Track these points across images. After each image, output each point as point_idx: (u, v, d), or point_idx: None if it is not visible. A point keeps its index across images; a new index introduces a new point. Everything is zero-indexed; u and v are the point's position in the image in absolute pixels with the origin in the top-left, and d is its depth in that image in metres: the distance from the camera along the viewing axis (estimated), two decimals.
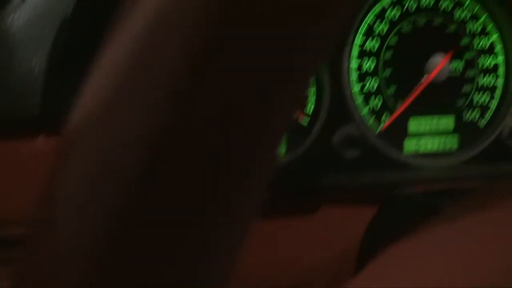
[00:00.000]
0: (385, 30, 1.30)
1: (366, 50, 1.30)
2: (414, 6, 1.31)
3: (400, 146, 1.32)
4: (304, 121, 1.30)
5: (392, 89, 1.31)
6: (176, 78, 0.37)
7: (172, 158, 0.37)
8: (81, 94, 0.40)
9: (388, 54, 1.30)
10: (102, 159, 0.37)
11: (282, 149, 1.30)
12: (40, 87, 1.07)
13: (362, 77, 1.31)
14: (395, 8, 1.30)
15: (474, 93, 1.35)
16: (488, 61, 1.35)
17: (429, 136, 1.33)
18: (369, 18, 1.29)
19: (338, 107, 1.29)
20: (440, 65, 1.30)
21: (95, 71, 0.40)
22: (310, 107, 1.30)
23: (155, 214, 0.37)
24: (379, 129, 1.31)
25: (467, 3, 1.33)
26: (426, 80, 1.30)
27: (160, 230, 0.37)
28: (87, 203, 0.37)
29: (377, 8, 1.29)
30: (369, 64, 1.30)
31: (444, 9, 1.33)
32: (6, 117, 1.07)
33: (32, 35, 1.10)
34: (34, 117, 1.07)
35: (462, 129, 1.35)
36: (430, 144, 1.34)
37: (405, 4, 1.31)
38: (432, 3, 1.32)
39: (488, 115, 1.36)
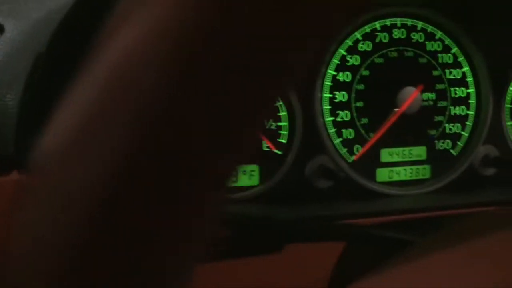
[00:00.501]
0: (357, 63, 1.34)
1: (339, 82, 1.34)
2: (387, 39, 1.35)
3: (372, 176, 1.36)
4: (277, 152, 1.33)
5: (364, 120, 1.35)
6: (131, 130, 0.39)
7: (127, 198, 0.39)
8: (45, 132, 0.43)
9: (361, 86, 1.34)
10: (63, 196, 0.40)
11: (255, 180, 1.33)
12: (14, 123, 1.10)
13: (335, 108, 1.34)
14: (368, 41, 1.35)
15: (446, 123, 1.39)
16: (459, 92, 1.39)
17: (401, 165, 1.37)
18: (342, 50, 1.33)
19: (311, 137, 1.33)
20: (411, 97, 1.34)
21: (60, 111, 0.42)
22: (284, 137, 1.34)
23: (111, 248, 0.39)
24: (351, 159, 1.35)
25: (438, 35, 1.37)
26: (398, 111, 1.34)
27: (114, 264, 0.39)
28: (48, 235, 0.40)
29: (349, 41, 1.33)
30: (341, 96, 1.34)
31: (416, 41, 1.37)
32: None
33: (7, 71, 1.12)
34: (7, 154, 1.10)
35: (435, 158, 1.39)
36: (402, 173, 1.37)
37: (377, 37, 1.35)
38: (404, 35, 1.36)
39: (460, 144, 1.39)
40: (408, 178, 1.36)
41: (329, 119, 1.33)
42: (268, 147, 1.32)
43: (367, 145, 1.34)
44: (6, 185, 1.08)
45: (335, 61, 1.32)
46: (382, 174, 1.35)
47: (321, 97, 1.32)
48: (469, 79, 1.38)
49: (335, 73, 1.33)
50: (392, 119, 1.33)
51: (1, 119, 1.08)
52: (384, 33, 1.34)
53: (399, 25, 1.35)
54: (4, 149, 1.08)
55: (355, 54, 1.34)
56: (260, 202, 1.33)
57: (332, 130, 1.33)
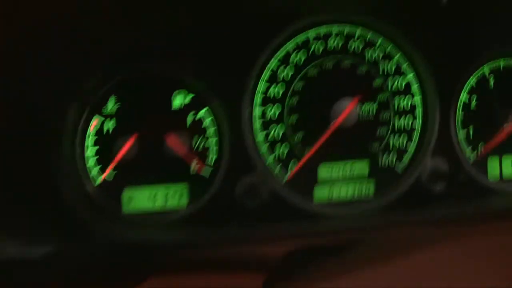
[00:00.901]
0: (290, 75, 1.26)
1: (270, 97, 1.26)
2: (321, 49, 1.27)
3: (309, 195, 1.28)
4: (206, 172, 1.27)
5: (299, 136, 1.27)
6: None
7: None
8: None
9: (294, 100, 1.26)
10: None
11: (184, 201, 1.27)
12: None
13: (266, 124, 1.27)
14: (300, 51, 1.26)
15: (389, 136, 1.30)
16: (404, 102, 1.30)
17: (342, 182, 1.28)
18: (273, 63, 1.25)
19: (240, 157, 1.25)
20: (347, 108, 1.26)
21: None
22: (212, 157, 1.27)
23: None
24: (286, 178, 1.28)
25: (379, 42, 1.29)
26: (334, 124, 1.26)
27: None
28: None
29: (281, 53, 1.26)
30: (273, 111, 1.26)
31: (354, 50, 1.28)
32: None
33: None
34: None
35: (378, 174, 1.30)
36: (343, 191, 1.28)
37: (311, 47, 1.27)
38: (340, 45, 1.28)
39: (406, 158, 1.30)
40: (350, 196, 1.28)
41: (260, 135, 1.27)
42: (194, 169, 1.28)
43: (302, 161, 1.26)
44: None
45: (266, 73, 1.25)
46: (320, 193, 1.27)
47: (250, 114, 1.26)
48: (414, 87, 1.29)
49: (265, 87, 1.25)
50: (329, 132, 1.26)
51: None
52: (319, 42, 1.27)
53: (335, 33, 1.27)
54: None
55: (287, 68, 1.26)
56: (188, 224, 1.28)
57: (263, 147, 1.27)
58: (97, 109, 1.24)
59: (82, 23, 1.12)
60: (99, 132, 1.24)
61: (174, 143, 1.24)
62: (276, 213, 1.26)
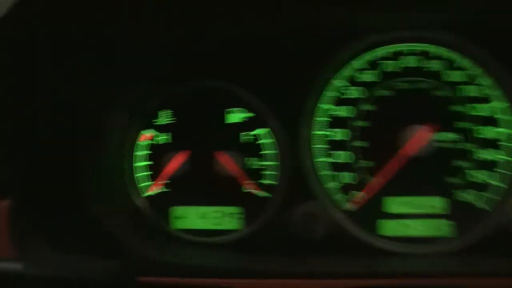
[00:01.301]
0: (357, 96, 1.17)
1: (334, 119, 1.17)
2: (393, 69, 1.16)
3: (374, 228, 1.16)
4: (260, 195, 1.19)
5: (365, 163, 1.16)
6: None
7: None
8: None
9: (361, 124, 1.16)
10: None
11: (234, 224, 1.19)
12: None
13: (329, 147, 1.17)
14: (370, 71, 1.16)
15: (469, 170, 1.16)
16: (487, 132, 1.15)
17: (412, 218, 1.15)
18: (339, 82, 1.17)
19: (299, 182, 1.16)
20: (418, 136, 1.13)
21: None
22: (268, 181, 1.19)
23: None
24: (347, 207, 1.16)
25: (460, 63, 1.16)
26: (402, 153, 1.14)
27: None
28: None
29: (349, 70, 1.17)
30: (337, 135, 1.17)
31: (430, 71, 1.16)
32: None
33: None
34: None
35: (455, 211, 1.15)
36: (414, 228, 1.15)
37: (384, 66, 1.17)
38: (415, 65, 1.16)
39: (489, 195, 1.15)
40: (421, 233, 1.15)
41: (322, 159, 1.17)
42: (247, 190, 1.20)
43: (367, 191, 1.15)
44: None
45: (331, 93, 1.17)
46: (386, 227, 1.15)
47: (312, 136, 1.17)
48: (501, 116, 1.14)
49: (330, 107, 1.17)
50: (398, 161, 1.14)
51: None
52: (391, 61, 1.16)
53: (409, 52, 1.16)
54: None
55: (355, 86, 1.16)
56: (242, 248, 1.19)
57: (325, 173, 1.17)
58: (149, 122, 1.22)
59: (140, 34, 1.10)
60: (150, 146, 1.22)
61: (227, 161, 1.18)
62: (334, 245, 1.15)
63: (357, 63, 1.16)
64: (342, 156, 1.17)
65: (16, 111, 1.04)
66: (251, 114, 1.19)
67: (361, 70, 1.16)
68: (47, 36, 1.00)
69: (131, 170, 1.22)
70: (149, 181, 1.22)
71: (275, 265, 1.09)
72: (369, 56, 1.16)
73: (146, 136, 1.21)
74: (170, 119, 1.21)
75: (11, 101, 1.03)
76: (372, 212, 1.16)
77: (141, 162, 1.22)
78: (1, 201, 1.04)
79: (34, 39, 0.99)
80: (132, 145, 1.22)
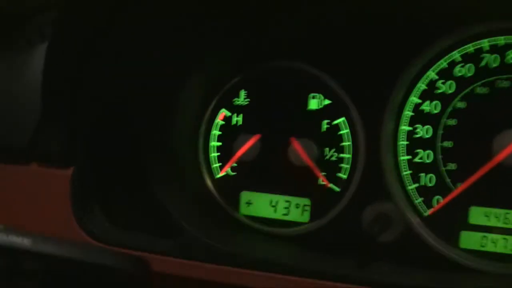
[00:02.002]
0: (451, 91, 1.05)
1: (421, 115, 1.07)
2: (496, 63, 1.03)
3: (454, 239, 1.05)
4: (333, 189, 1.11)
5: (451, 166, 1.05)
6: None
7: None
8: None
9: (452, 122, 1.05)
10: None
11: (305, 216, 1.13)
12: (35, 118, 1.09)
13: (411, 147, 1.07)
14: (467, 65, 1.04)
15: None
16: None
17: (498, 233, 1.03)
18: (432, 72, 1.06)
19: (374, 180, 1.08)
20: None
21: None
22: (345, 171, 1.12)
23: None
24: (427, 213, 1.06)
25: None
26: (495, 160, 1.01)
27: None
28: None
29: (444, 62, 1.05)
30: (423, 133, 1.07)
31: None
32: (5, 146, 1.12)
33: None
34: (25, 146, 1.10)
35: None
36: (502, 244, 1.03)
37: (483, 60, 1.04)
38: None
39: None
40: (506, 251, 1.03)
41: (405, 158, 1.08)
42: (322, 181, 1.13)
43: (450, 197, 1.05)
44: (24, 175, 1.08)
45: (422, 86, 1.07)
46: (469, 240, 1.04)
47: (394, 130, 1.08)
48: None
49: (419, 101, 1.07)
50: (488, 168, 1.02)
51: (22, 112, 1.09)
52: (494, 55, 1.03)
53: None
54: (23, 140, 1.08)
55: (449, 80, 1.05)
56: (307, 243, 1.13)
57: (406, 172, 1.07)
58: (226, 102, 1.18)
59: (221, 13, 1.07)
60: (222, 127, 1.19)
61: (302, 150, 1.12)
62: (408, 252, 1.06)
63: (454, 56, 1.05)
64: (427, 156, 1.07)
65: (88, 81, 1.05)
66: (328, 101, 1.12)
67: (458, 63, 1.05)
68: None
69: (206, 149, 1.21)
70: (219, 163, 1.20)
71: (338, 267, 1.02)
72: (469, 48, 1.04)
73: (224, 114, 1.18)
74: (247, 101, 1.17)
75: (81, 71, 1.04)
76: (453, 222, 1.06)
77: (214, 142, 1.20)
78: (66, 168, 1.07)
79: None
80: (209, 122, 1.20)
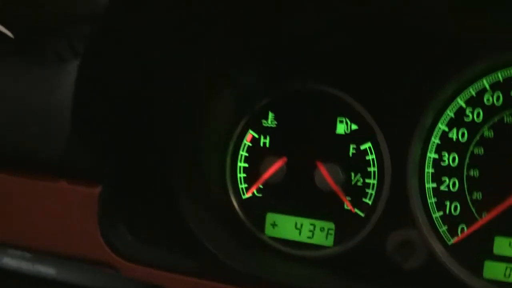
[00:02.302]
0: (479, 119, 1.05)
1: (448, 142, 1.07)
2: None
3: (478, 269, 1.04)
4: (357, 214, 1.12)
5: (477, 195, 1.05)
6: None
7: None
8: None
9: (478, 150, 1.05)
10: None
11: (330, 240, 1.14)
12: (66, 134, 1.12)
13: (439, 173, 1.07)
14: (498, 91, 1.04)
15: None
16: None
17: None
18: (461, 101, 1.06)
19: (400, 206, 1.08)
20: None
21: None
22: (370, 197, 1.12)
23: None
24: (451, 241, 1.06)
25: None
26: None
27: None
28: None
29: (472, 90, 1.06)
30: (450, 160, 1.07)
31: None
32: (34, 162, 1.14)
33: None
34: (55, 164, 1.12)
35: None
36: None
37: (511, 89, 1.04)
38: None
39: None
40: None
41: (430, 185, 1.08)
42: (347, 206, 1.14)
43: (476, 226, 1.04)
44: (52, 191, 1.10)
45: (449, 113, 1.07)
46: (493, 270, 1.03)
47: (421, 157, 1.08)
48: None
49: (446, 128, 1.07)
50: None
51: (52, 127, 1.12)
52: None
53: None
54: (53, 156, 1.11)
55: (477, 108, 1.05)
56: (330, 267, 1.13)
57: (431, 200, 1.07)
58: (254, 123, 1.20)
59: (253, 33, 1.08)
60: (249, 148, 1.20)
61: (328, 174, 1.13)
62: (431, 281, 1.06)
63: (486, 83, 1.05)
64: (453, 185, 1.07)
65: (119, 98, 1.08)
66: (355, 126, 1.13)
67: (487, 91, 1.05)
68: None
69: (233, 169, 1.22)
70: (245, 184, 1.21)
71: None
72: (498, 76, 1.04)
73: (252, 136, 1.19)
74: (273, 122, 1.19)
75: (112, 88, 1.06)
76: (478, 251, 1.05)
77: (241, 163, 1.21)
78: (95, 186, 1.09)
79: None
80: (237, 143, 1.22)
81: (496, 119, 1.05)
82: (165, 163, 1.14)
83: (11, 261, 0.58)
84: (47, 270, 0.59)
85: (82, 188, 1.09)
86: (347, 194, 1.13)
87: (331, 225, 1.15)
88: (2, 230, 1.13)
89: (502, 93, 1.05)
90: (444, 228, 1.08)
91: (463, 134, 1.07)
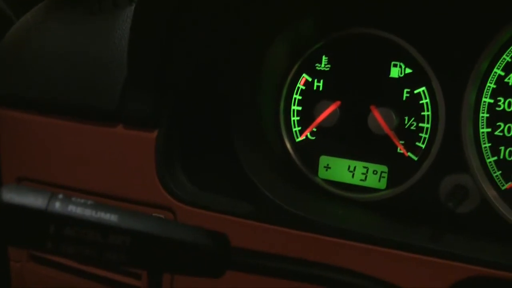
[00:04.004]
0: None
1: (506, 86, 1.07)
2: None
3: None
4: (411, 157, 1.14)
5: None
6: None
7: None
8: None
9: None
10: None
11: (383, 183, 1.16)
12: (121, 81, 1.16)
13: (494, 118, 1.08)
14: None
15: None
16: None
17: None
18: None
19: (453, 151, 1.10)
20: None
21: None
22: (424, 141, 1.13)
23: None
24: (504, 187, 1.07)
25: None
26: None
27: None
28: None
29: None
30: (506, 104, 1.07)
31: None
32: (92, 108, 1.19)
33: None
34: (113, 108, 1.17)
35: None
36: None
37: None
38: None
39: None
40: None
41: (484, 130, 1.08)
42: (400, 150, 1.15)
43: None
44: (112, 137, 1.16)
45: (506, 58, 1.06)
46: None
47: (476, 101, 1.08)
48: None
49: (503, 73, 1.07)
50: None
51: (109, 74, 1.16)
52: None
53: None
54: (110, 102, 1.15)
55: None
56: (382, 210, 1.16)
57: (486, 145, 1.08)
58: (308, 67, 1.22)
59: None
60: (303, 91, 1.22)
61: (381, 118, 1.14)
62: (483, 225, 1.08)
63: None
64: (508, 130, 1.07)
65: (175, 42, 1.10)
66: (409, 70, 1.13)
67: None
68: None
69: (288, 112, 1.25)
70: (299, 127, 1.24)
71: (412, 238, 1.06)
72: None
73: (306, 79, 1.21)
74: (328, 67, 1.20)
75: (168, 33, 1.09)
76: None
77: (295, 106, 1.24)
78: (152, 131, 1.14)
79: None
80: (290, 86, 1.24)
81: None
82: (222, 109, 1.18)
83: (75, 209, 0.63)
84: (109, 217, 0.64)
85: (139, 133, 1.15)
86: (400, 138, 1.15)
87: (385, 168, 1.17)
88: (66, 176, 1.20)
89: None
90: (498, 173, 1.09)
91: None
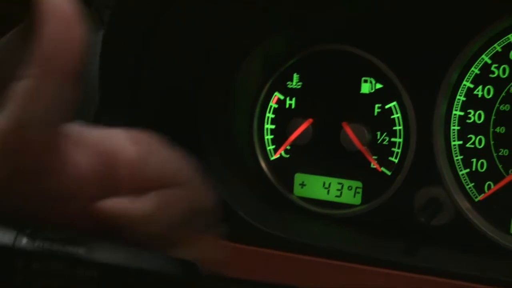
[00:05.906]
0: (505, 75, 1.07)
1: (475, 98, 1.10)
2: None
3: (506, 225, 1.09)
4: (384, 172, 1.16)
5: (504, 152, 1.08)
6: None
7: None
8: None
9: (505, 107, 1.08)
10: None
11: (358, 199, 1.18)
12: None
13: (465, 130, 1.11)
14: None
15: None
16: None
17: None
18: (486, 57, 1.08)
19: (426, 164, 1.12)
20: None
21: None
22: (397, 155, 1.16)
23: None
24: (478, 198, 1.10)
25: None
26: None
27: None
28: None
29: (498, 46, 1.07)
30: (476, 117, 1.10)
31: None
32: None
33: None
34: None
35: None
36: None
37: None
38: None
39: None
40: None
41: (456, 142, 1.11)
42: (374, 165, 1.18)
43: (503, 183, 1.08)
44: None
45: (475, 70, 1.09)
46: None
47: (446, 114, 1.11)
48: None
49: (472, 85, 1.09)
50: None
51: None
52: None
53: None
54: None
55: (504, 64, 1.08)
56: (358, 225, 1.18)
57: (458, 157, 1.11)
58: (279, 85, 1.24)
59: None
60: (276, 110, 1.24)
61: (354, 135, 1.16)
62: (458, 238, 1.10)
63: (510, 39, 1.06)
64: (479, 142, 1.10)
65: (146, 67, 1.12)
66: (380, 85, 1.16)
67: None
68: None
69: (262, 131, 1.26)
70: (273, 145, 1.26)
71: (388, 252, 1.08)
72: None
73: (278, 97, 1.23)
74: (298, 83, 1.22)
75: (139, 58, 1.10)
76: (504, 208, 1.10)
77: (268, 125, 1.25)
78: None
79: None
80: (263, 105, 1.26)
81: None
82: (196, 130, 1.19)
83: (43, 244, 0.64)
84: (77, 250, 0.65)
85: None
86: (373, 153, 1.17)
87: (359, 184, 1.20)
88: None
89: None
90: (471, 185, 1.12)
91: (488, 91, 1.09)
